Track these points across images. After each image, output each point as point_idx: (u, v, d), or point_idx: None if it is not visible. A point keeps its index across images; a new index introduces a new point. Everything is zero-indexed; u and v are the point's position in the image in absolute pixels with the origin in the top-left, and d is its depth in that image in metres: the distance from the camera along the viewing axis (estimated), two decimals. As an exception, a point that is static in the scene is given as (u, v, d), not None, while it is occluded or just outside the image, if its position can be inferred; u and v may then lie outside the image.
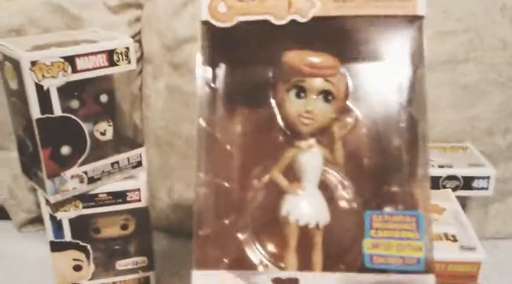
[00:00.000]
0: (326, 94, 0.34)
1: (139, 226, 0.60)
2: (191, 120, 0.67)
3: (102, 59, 0.51)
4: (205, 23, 0.33)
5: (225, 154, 0.36)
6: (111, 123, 0.57)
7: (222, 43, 0.34)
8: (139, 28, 0.72)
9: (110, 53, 0.52)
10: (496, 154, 0.67)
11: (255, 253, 0.35)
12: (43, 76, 0.47)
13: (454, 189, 0.57)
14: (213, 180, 0.35)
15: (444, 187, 0.58)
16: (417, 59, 0.33)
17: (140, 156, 0.58)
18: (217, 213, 0.35)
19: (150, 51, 0.70)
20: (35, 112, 0.48)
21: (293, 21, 0.32)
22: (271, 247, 0.36)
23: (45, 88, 0.48)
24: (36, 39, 0.54)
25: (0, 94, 0.70)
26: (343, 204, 0.36)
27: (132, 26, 0.71)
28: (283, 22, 0.32)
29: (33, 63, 0.47)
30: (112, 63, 0.52)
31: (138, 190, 0.57)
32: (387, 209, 0.33)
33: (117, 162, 0.56)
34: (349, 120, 0.36)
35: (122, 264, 0.60)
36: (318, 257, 0.34)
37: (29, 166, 0.54)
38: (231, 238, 0.35)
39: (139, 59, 0.72)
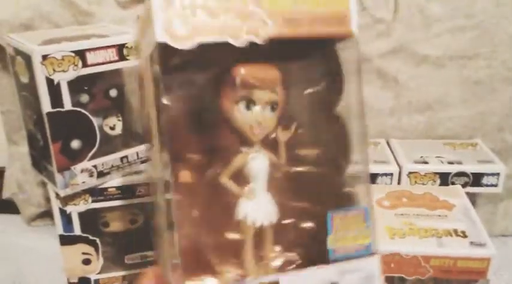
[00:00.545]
0: (272, 104, 0.37)
1: (147, 221, 0.60)
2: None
3: (112, 53, 0.51)
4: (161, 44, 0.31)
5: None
6: (120, 118, 0.57)
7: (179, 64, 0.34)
8: (149, 23, 0.72)
9: (120, 48, 0.52)
10: (506, 151, 0.67)
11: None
12: (54, 70, 0.48)
13: (464, 186, 0.57)
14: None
15: (453, 183, 0.57)
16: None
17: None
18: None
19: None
20: (46, 106, 0.48)
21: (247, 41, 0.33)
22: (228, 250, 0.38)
23: (55, 82, 0.48)
24: (46, 33, 0.55)
25: (9, 89, 0.72)
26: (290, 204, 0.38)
27: (142, 21, 0.71)
28: (240, 43, 0.33)
29: (45, 57, 0.47)
30: (122, 57, 0.52)
31: (147, 184, 0.57)
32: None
33: (126, 157, 0.56)
34: (293, 124, 0.38)
35: (130, 258, 0.60)
36: (269, 250, 0.37)
37: (39, 160, 0.55)
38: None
39: (148, 54, 0.72)
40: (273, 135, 0.38)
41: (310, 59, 0.37)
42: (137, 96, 0.60)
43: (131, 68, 0.55)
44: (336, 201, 0.37)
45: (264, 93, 0.36)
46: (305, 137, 0.39)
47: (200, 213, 0.37)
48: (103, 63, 0.51)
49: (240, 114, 0.36)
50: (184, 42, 0.31)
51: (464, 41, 0.65)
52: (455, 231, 0.44)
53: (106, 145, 0.55)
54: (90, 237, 0.58)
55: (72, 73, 0.49)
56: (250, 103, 0.36)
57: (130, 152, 0.57)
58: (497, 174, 0.57)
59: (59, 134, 0.50)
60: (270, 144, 0.38)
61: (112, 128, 0.57)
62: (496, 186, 0.58)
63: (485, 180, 0.58)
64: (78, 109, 0.51)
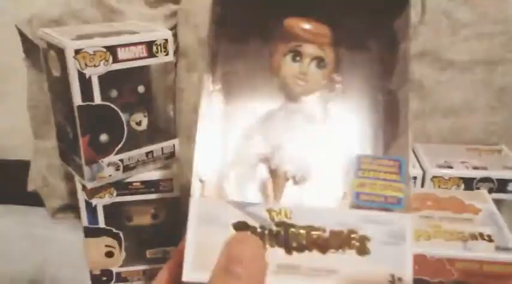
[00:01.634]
0: (319, 61, 0.38)
1: (169, 216, 0.61)
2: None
3: (142, 50, 0.52)
4: None
5: None
6: (146, 114, 0.58)
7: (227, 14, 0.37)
8: (176, 22, 0.73)
9: (150, 44, 0.53)
10: (531, 158, 0.66)
11: None
12: (86, 64, 0.49)
13: (489, 192, 0.56)
14: None
15: (478, 189, 0.57)
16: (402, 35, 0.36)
17: (174, 147, 0.59)
18: None
19: (185, 45, 0.71)
20: (77, 100, 0.49)
21: None
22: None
23: (87, 76, 0.49)
24: (79, 29, 0.56)
25: (36, 85, 0.74)
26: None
27: (169, 20, 0.72)
28: None
29: (77, 52, 0.48)
30: (151, 54, 0.53)
31: (171, 180, 0.58)
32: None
33: (151, 152, 0.57)
34: (337, 86, 0.39)
35: (151, 253, 0.61)
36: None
37: (68, 153, 0.56)
38: None
39: (175, 53, 0.73)
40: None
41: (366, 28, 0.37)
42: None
43: (159, 65, 0.56)
44: None
45: (311, 47, 0.37)
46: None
47: None
48: (133, 59, 0.52)
49: (286, 66, 0.38)
50: None
51: (491, 46, 0.64)
52: (481, 235, 0.43)
53: (132, 140, 0.56)
54: (114, 230, 0.59)
55: (103, 68, 0.50)
56: (297, 55, 0.37)
57: (155, 148, 0.57)
58: (523, 181, 0.56)
59: (88, 127, 0.51)
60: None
61: (138, 124, 0.58)
62: (521, 192, 0.57)
63: (510, 187, 0.57)
64: (108, 103, 0.52)
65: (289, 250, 0.32)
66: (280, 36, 0.38)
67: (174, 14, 0.73)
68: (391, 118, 0.36)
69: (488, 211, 0.48)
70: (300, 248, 0.32)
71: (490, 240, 0.43)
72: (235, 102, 0.38)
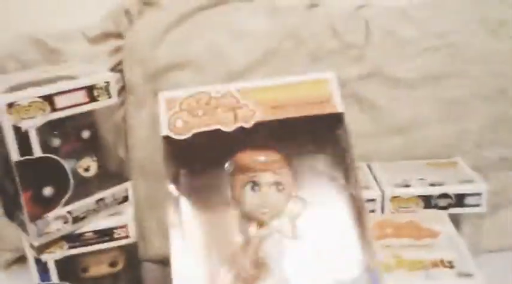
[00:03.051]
0: (277, 185, 0.40)
1: (128, 262, 0.58)
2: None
3: (82, 96, 0.50)
4: (166, 137, 0.40)
5: None
6: (94, 158, 0.56)
7: (182, 152, 0.40)
8: (121, 58, 0.70)
9: (90, 89, 0.50)
10: (485, 167, 0.67)
11: None
12: (21, 117, 0.46)
13: (447, 207, 0.57)
14: None
15: (437, 205, 0.57)
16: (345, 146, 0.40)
17: (126, 190, 0.56)
18: None
19: (133, 81, 0.69)
20: (14, 155, 0.46)
21: (240, 128, 0.40)
22: None
23: (23, 129, 0.46)
24: (11, 78, 0.53)
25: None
26: None
27: (113, 56, 0.70)
28: (231, 129, 0.40)
29: (10, 105, 0.45)
30: (92, 98, 0.51)
31: (126, 226, 0.55)
32: None
33: (102, 199, 0.54)
34: (300, 204, 0.40)
35: (112, 303, 0.58)
36: None
37: (11, 209, 0.53)
38: None
39: (122, 89, 0.70)
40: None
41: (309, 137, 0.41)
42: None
43: (103, 108, 0.54)
44: None
45: (267, 175, 0.39)
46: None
47: None
48: (73, 106, 0.50)
49: (247, 197, 0.39)
50: (183, 134, 0.40)
51: (437, 61, 0.65)
52: (442, 262, 0.43)
53: (81, 188, 0.53)
54: (69, 284, 0.55)
55: (40, 119, 0.47)
56: (255, 185, 0.39)
57: (107, 194, 0.55)
58: (480, 194, 0.57)
59: (29, 183, 0.48)
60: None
61: (86, 169, 0.55)
62: (479, 206, 0.57)
63: (468, 201, 0.57)
64: (49, 155, 0.49)
65: None
66: (235, 169, 0.39)
67: (118, 49, 0.71)
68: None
69: (447, 233, 0.48)
70: None
71: (451, 266, 0.42)
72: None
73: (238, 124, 0.40)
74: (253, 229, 0.39)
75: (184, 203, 0.39)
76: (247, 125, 0.40)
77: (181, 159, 0.40)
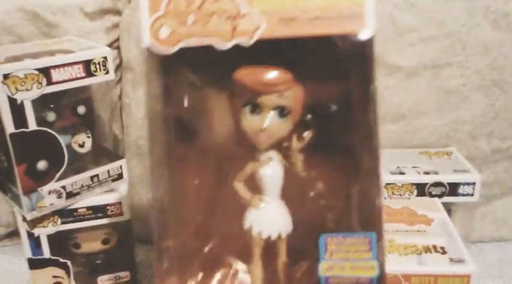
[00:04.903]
0: (281, 110, 0.34)
1: (121, 240, 0.58)
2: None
3: (78, 70, 0.49)
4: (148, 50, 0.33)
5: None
6: (89, 135, 0.55)
7: (168, 68, 0.34)
8: (118, 35, 0.70)
9: (87, 63, 0.50)
10: (480, 158, 0.67)
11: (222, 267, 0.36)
12: (16, 89, 0.45)
13: (440, 196, 0.57)
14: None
15: (430, 193, 0.57)
16: (370, 74, 0.33)
17: (121, 168, 0.56)
18: (182, 221, 0.36)
19: (130, 59, 0.68)
20: (9, 127, 0.46)
21: (238, 46, 0.32)
22: (236, 258, 0.37)
23: (18, 101, 0.46)
24: (8, 49, 0.52)
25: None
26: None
27: (110, 33, 0.69)
28: (227, 47, 0.32)
29: (6, 76, 0.45)
30: (89, 73, 0.50)
31: (119, 203, 0.55)
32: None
33: (96, 175, 0.54)
34: (306, 132, 0.35)
35: (103, 279, 0.58)
36: (282, 263, 0.35)
37: (4, 182, 0.52)
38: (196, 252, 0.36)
39: (118, 67, 0.70)
40: (286, 144, 0.35)
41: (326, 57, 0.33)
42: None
43: (99, 83, 0.53)
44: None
45: (270, 98, 0.34)
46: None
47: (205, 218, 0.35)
48: (69, 80, 0.49)
49: (245, 118, 0.34)
50: (168, 48, 0.32)
51: (437, 50, 0.65)
52: (435, 247, 0.43)
53: (75, 164, 0.53)
54: (61, 260, 0.55)
55: (36, 92, 0.47)
56: (255, 107, 0.34)
57: (101, 170, 0.54)
58: (473, 184, 0.57)
59: (23, 156, 0.47)
60: (284, 152, 0.35)
61: (81, 146, 0.55)
62: (472, 195, 0.58)
63: (461, 190, 0.58)
64: (44, 128, 0.48)
65: None
66: (233, 88, 0.34)
67: (116, 26, 0.70)
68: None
69: (441, 220, 0.48)
70: None
71: (444, 252, 0.43)
72: None
73: (236, 40, 0.31)
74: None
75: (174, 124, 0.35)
76: (248, 42, 0.31)
77: (165, 78, 0.34)
